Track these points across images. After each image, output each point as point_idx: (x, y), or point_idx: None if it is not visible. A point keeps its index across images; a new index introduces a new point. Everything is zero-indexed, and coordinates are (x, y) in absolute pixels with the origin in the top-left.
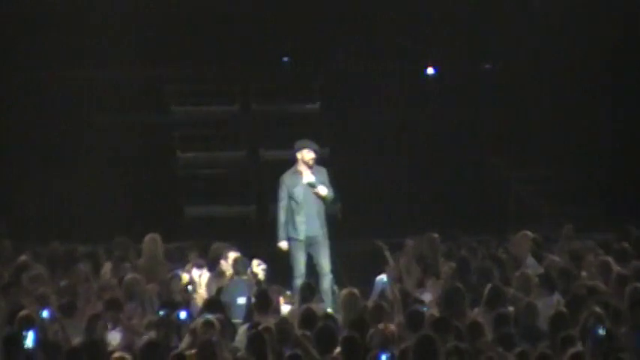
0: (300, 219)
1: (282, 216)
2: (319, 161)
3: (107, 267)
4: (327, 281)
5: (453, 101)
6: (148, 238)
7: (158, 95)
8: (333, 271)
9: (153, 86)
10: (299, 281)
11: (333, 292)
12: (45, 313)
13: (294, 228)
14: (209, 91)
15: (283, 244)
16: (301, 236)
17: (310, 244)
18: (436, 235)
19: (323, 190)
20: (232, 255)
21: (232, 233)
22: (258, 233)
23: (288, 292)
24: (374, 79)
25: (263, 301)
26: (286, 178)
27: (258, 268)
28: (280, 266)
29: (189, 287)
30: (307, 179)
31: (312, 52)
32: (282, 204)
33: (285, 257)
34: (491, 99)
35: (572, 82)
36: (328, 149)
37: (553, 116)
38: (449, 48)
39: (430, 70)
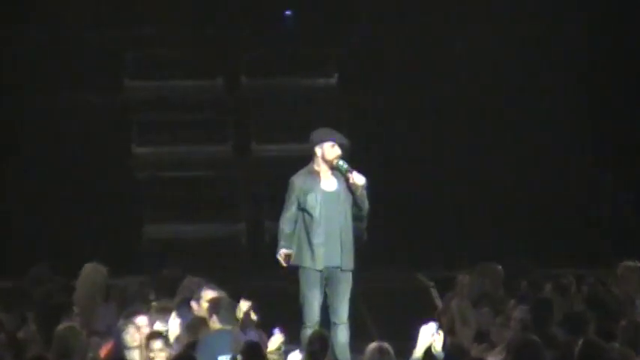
0: (317, 240)
1: (285, 226)
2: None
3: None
4: (343, 333)
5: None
6: (87, 268)
7: (110, 64)
8: (354, 317)
9: (104, 51)
10: (310, 332)
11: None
12: None
13: (310, 253)
14: (180, 59)
15: (284, 251)
16: (319, 265)
17: (328, 277)
18: (500, 267)
19: (360, 179)
20: (208, 295)
21: (212, 262)
22: (249, 262)
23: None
24: (410, 45)
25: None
26: (298, 182)
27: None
28: (283, 309)
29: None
30: (329, 185)
31: (327, 5)
32: (288, 215)
33: (291, 296)
34: None
35: None
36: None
37: None
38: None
39: None
